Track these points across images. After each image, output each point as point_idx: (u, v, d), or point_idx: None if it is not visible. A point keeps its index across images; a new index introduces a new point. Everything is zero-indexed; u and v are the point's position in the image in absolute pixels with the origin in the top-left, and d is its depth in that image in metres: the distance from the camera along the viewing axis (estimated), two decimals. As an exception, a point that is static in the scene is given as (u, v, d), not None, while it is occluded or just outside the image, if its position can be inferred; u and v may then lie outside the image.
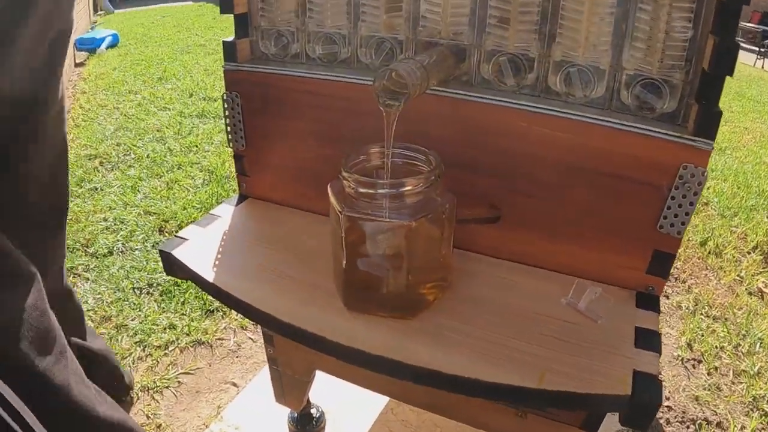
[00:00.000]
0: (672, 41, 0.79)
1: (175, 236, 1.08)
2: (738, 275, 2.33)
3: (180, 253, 1.03)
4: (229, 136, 1.15)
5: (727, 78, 0.77)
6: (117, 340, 1.84)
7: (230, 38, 1.08)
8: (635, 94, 0.85)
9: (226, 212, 1.16)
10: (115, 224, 2.50)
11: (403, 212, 0.80)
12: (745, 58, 8.66)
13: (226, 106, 1.12)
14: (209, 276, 0.97)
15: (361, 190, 0.81)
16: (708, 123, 0.79)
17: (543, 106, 0.87)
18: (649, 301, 0.91)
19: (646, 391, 0.74)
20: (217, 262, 1.01)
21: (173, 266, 1.04)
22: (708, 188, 3.10)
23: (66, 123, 1.24)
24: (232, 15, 1.07)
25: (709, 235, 2.59)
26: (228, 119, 1.13)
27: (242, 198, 1.21)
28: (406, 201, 0.81)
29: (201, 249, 1.05)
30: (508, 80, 0.92)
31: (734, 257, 2.46)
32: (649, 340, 0.83)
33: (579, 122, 0.85)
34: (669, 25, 0.79)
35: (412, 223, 0.80)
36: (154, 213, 2.60)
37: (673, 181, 0.83)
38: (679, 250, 2.42)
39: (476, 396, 0.85)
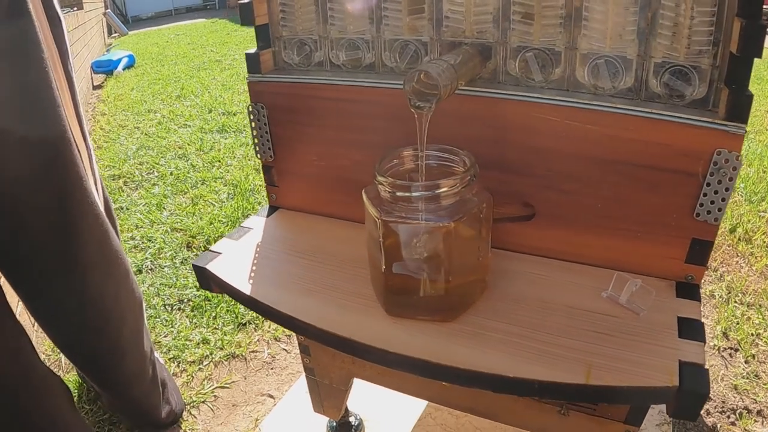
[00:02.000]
0: (698, 26, 0.79)
1: (209, 250, 1.09)
2: (770, 260, 2.30)
3: (214, 267, 1.04)
4: (257, 148, 1.15)
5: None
6: (152, 357, 1.84)
7: (253, 50, 1.09)
8: (664, 82, 0.84)
9: (257, 224, 1.17)
10: (142, 242, 2.52)
11: (440, 214, 0.80)
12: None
13: (252, 117, 1.12)
14: (246, 289, 0.98)
15: (398, 193, 0.81)
16: (739, 107, 0.78)
17: (572, 99, 0.87)
18: (689, 291, 0.90)
19: (694, 381, 0.73)
20: (252, 274, 1.01)
21: (208, 280, 1.05)
22: (734, 174, 3.06)
23: None
24: (253, 27, 1.07)
25: (738, 221, 2.56)
26: (255, 131, 1.14)
27: (272, 209, 1.22)
28: (442, 203, 0.81)
29: (235, 262, 1.05)
30: (536, 76, 0.92)
31: (764, 242, 2.42)
32: (693, 330, 0.82)
33: (609, 114, 0.85)
34: (694, 11, 0.78)
35: (450, 224, 0.79)
36: (181, 229, 2.62)
37: (708, 167, 0.82)
38: (710, 239, 2.39)
39: (523, 395, 0.84)
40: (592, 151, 0.88)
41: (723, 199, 0.83)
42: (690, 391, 0.73)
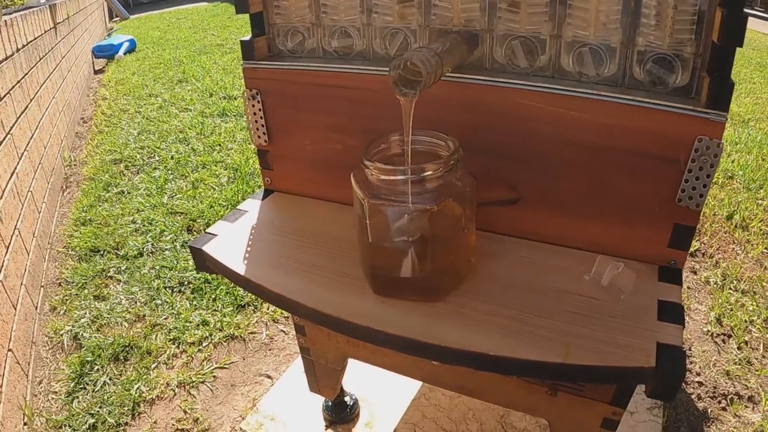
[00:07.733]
0: (681, 15, 0.80)
1: (205, 233, 1.11)
2: (766, 248, 2.30)
3: (210, 248, 1.06)
4: (251, 133, 1.17)
5: (748, 49, 0.78)
6: (152, 338, 1.87)
7: (247, 37, 1.10)
8: (647, 70, 0.86)
9: (252, 207, 1.19)
10: (143, 226, 2.54)
11: (425, 197, 0.82)
12: (765, 28, 8.49)
13: (246, 103, 1.14)
14: (239, 269, 1.00)
15: (383, 177, 0.83)
16: (720, 95, 0.79)
17: (557, 86, 0.89)
18: (671, 275, 0.92)
19: (670, 363, 0.75)
20: (247, 256, 1.03)
21: (204, 262, 1.07)
22: (732, 161, 3.07)
23: None
24: (248, 15, 1.09)
25: (735, 208, 2.56)
26: (249, 116, 1.15)
27: (267, 192, 1.24)
28: (427, 186, 0.83)
29: (231, 244, 1.07)
30: (522, 63, 0.93)
31: (761, 230, 2.43)
32: (672, 313, 0.84)
33: (593, 100, 0.86)
34: (677, 0, 0.79)
35: (434, 206, 0.81)
36: (182, 213, 2.63)
37: (689, 154, 0.83)
38: (706, 225, 2.41)
39: (504, 373, 0.86)
40: (577, 137, 0.89)
41: (704, 186, 0.84)
42: (666, 372, 0.75)
